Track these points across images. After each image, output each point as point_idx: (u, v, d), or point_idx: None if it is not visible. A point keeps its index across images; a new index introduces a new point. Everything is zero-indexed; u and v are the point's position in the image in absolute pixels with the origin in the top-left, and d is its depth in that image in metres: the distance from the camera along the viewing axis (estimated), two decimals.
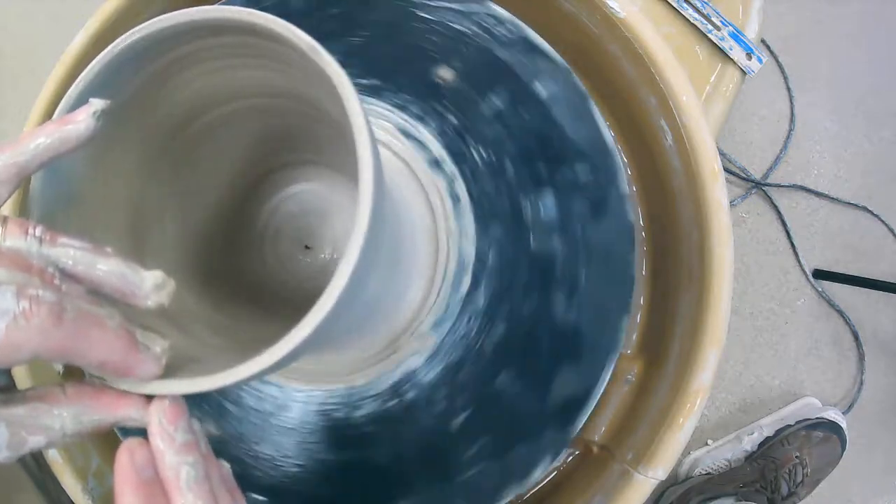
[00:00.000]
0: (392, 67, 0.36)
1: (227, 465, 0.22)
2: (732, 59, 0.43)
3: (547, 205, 0.34)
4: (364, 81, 0.36)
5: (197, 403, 0.36)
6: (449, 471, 0.33)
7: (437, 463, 0.34)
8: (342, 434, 0.34)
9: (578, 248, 0.34)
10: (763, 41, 0.94)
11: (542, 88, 0.35)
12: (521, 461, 0.33)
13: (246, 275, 0.34)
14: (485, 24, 0.35)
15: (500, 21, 0.35)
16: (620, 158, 0.35)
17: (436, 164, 0.35)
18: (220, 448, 0.35)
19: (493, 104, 0.35)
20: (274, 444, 0.35)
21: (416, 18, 0.36)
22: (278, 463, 0.35)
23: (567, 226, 0.34)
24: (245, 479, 0.35)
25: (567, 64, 0.35)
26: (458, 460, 0.33)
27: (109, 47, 0.21)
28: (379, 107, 0.36)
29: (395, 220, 0.32)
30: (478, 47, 0.35)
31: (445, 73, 0.36)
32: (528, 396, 0.33)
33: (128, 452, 0.19)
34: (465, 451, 0.33)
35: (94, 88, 0.22)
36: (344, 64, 0.20)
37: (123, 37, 0.21)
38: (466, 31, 0.35)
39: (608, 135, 0.34)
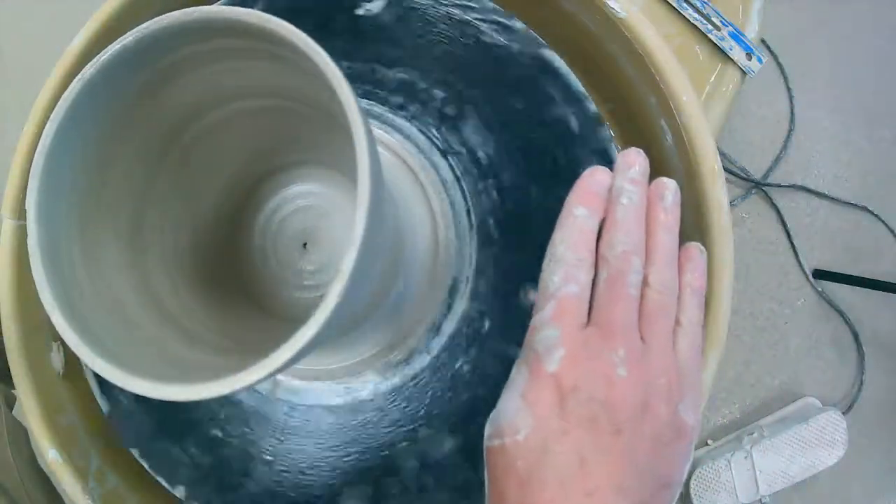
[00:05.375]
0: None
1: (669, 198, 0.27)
2: (732, 59, 0.43)
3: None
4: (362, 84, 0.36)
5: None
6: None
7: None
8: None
9: None
10: (763, 41, 0.94)
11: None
12: None
13: (246, 276, 0.34)
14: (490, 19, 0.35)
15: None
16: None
17: (433, 164, 0.35)
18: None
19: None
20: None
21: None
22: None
23: None
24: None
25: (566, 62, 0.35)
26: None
27: (101, 53, 0.21)
28: (378, 108, 0.36)
29: (394, 218, 0.32)
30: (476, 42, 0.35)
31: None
32: None
33: (591, 172, 0.27)
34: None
35: (87, 95, 0.21)
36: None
37: (116, 42, 0.21)
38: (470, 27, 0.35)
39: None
